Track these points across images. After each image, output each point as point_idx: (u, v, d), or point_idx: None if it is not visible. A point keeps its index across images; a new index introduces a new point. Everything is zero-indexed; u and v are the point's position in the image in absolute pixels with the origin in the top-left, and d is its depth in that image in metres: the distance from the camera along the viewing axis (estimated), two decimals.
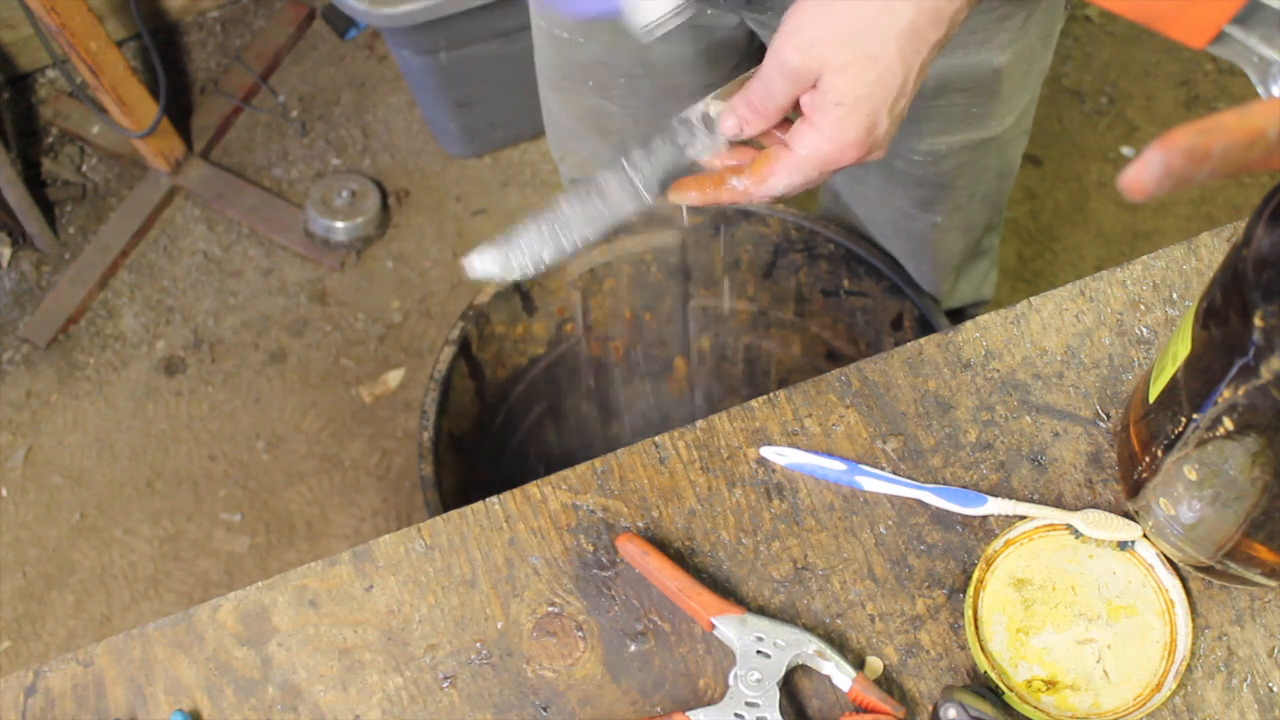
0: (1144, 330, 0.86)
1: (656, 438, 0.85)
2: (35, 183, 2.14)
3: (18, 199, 2.00)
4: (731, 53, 1.11)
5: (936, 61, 0.96)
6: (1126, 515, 0.78)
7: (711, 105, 0.73)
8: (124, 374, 1.99)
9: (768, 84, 0.69)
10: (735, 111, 0.71)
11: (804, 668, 0.77)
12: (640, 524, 0.82)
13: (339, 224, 2.04)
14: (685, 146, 0.73)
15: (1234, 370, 0.62)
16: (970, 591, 0.77)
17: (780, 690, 0.74)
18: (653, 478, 0.83)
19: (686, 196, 0.73)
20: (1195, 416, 0.67)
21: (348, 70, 2.24)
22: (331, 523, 1.85)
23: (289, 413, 1.95)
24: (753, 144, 0.74)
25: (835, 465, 0.82)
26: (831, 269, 1.31)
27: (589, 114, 1.18)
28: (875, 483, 0.82)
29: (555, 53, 1.12)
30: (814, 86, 0.67)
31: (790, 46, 0.66)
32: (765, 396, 0.85)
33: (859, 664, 0.77)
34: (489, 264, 0.73)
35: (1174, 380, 0.70)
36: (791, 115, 0.71)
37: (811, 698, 0.77)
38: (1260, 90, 0.56)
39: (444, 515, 0.83)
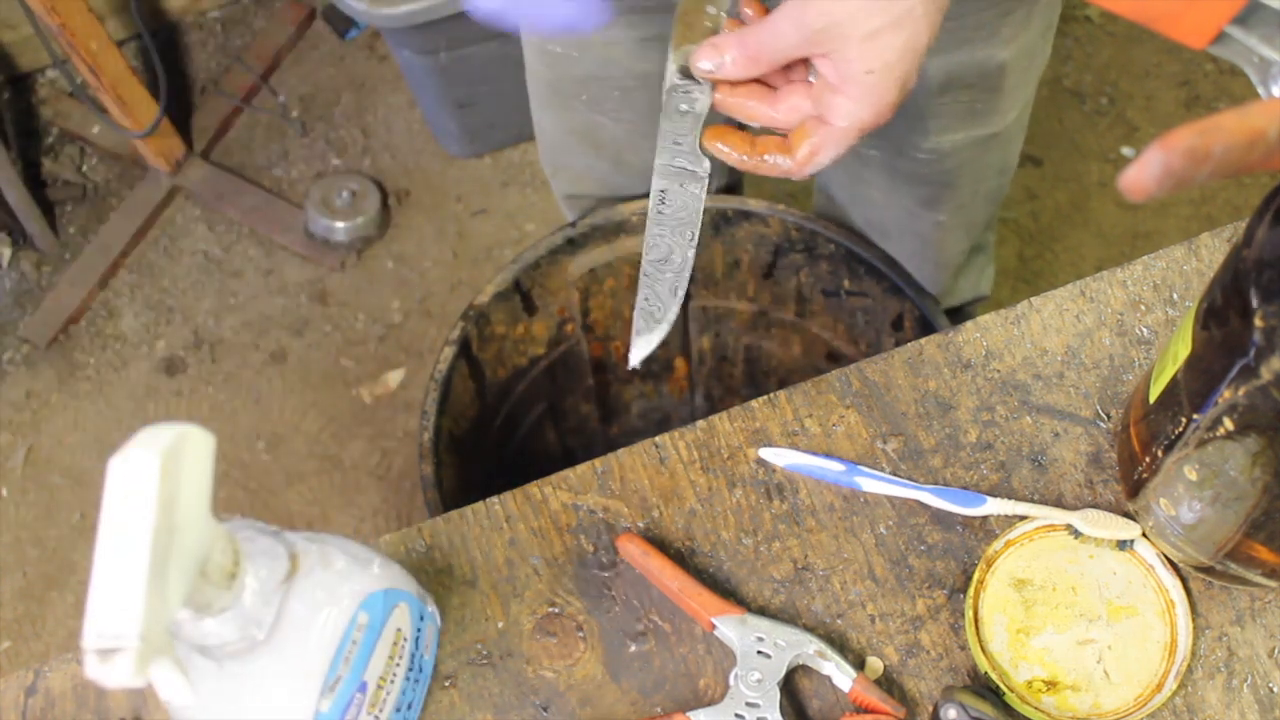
0: (1144, 330, 0.86)
1: (656, 438, 0.85)
2: (35, 183, 2.14)
3: (18, 199, 2.00)
4: None
5: (941, 60, 0.96)
6: (1126, 515, 0.78)
7: (684, 56, 0.71)
8: (124, 374, 1.99)
9: (777, 36, 0.66)
10: (722, 50, 0.68)
11: (804, 668, 0.77)
12: (640, 524, 0.82)
13: (339, 224, 2.04)
14: (691, 108, 0.71)
15: (1234, 371, 0.62)
16: (970, 592, 0.77)
17: (781, 690, 0.75)
18: (653, 478, 0.83)
19: (729, 156, 0.72)
20: (1195, 417, 0.67)
21: (348, 70, 2.24)
22: (331, 523, 1.85)
23: (289, 413, 1.95)
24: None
25: (834, 466, 0.82)
26: (832, 269, 1.31)
27: (582, 129, 1.18)
28: (874, 483, 0.82)
29: (548, 68, 1.12)
30: (826, 55, 0.66)
31: (815, 9, 0.64)
32: (765, 397, 0.85)
33: (859, 664, 0.77)
34: (648, 343, 0.72)
35: (1174, 380, 0.70)
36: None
37: (812, 698, 0.77)
38: (1260, 90, 0.56)
39: (444, 515, 0.83)
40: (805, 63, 0.70)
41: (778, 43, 0.66)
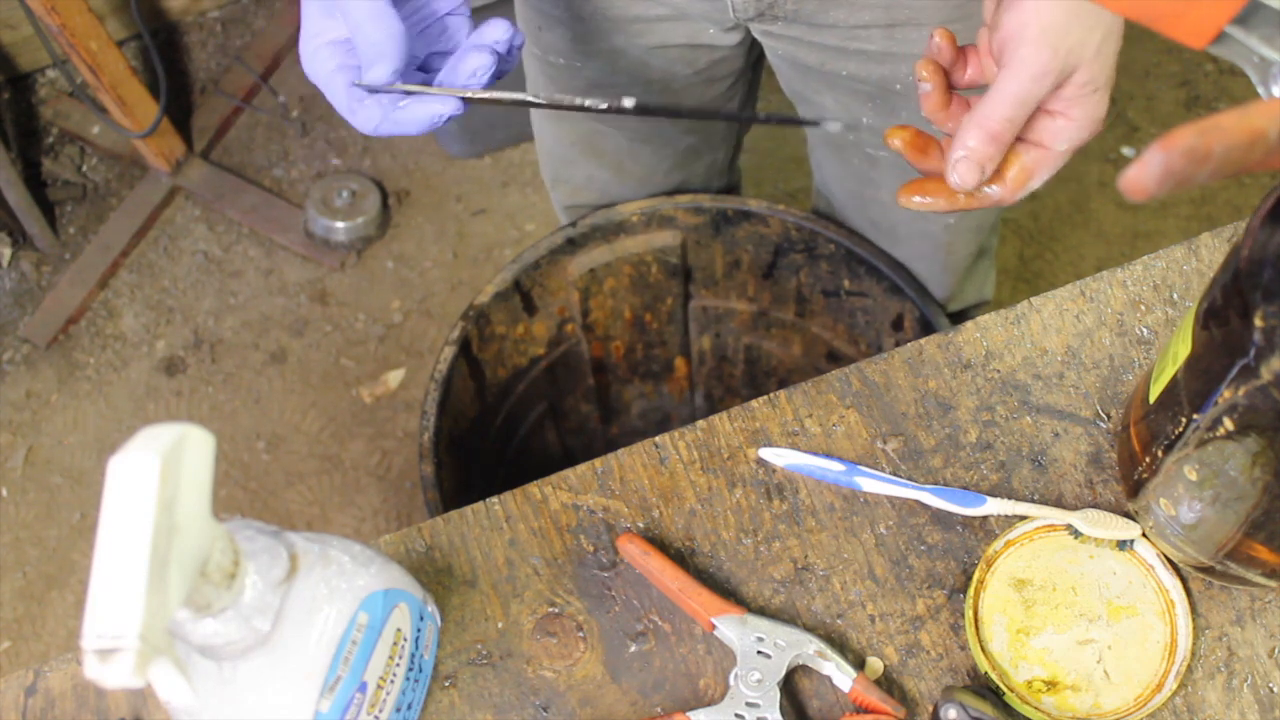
0: (1144, 330, 0.86)
1: (656, 438, 0.84)
2: (35, 183, 2.14)
3: (18, 199, 2.00)
4: (729, 72, 1.11)
5: None
6: (1126, 515, 0.78)
7: None
8: (124, 374, 1.99)
9: (1020, 102, 0.62)
10: (972, 155, 0.63)
11: (804, 668, 0.77)
12: (640, 524, 0.82)
13: (339, 224, 2.04)
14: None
15: (1234, 370, 0.62)
16: (970, 592, 0.77)
17: (780, 690, 0.74)
18: (653, 478, 0.83)
19: (932, 205, 0.68)
20: (1195, 417, 0.67)
21: None
22: (331, 523, 1.85)
23: (289, 413, 1.95)
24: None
25: (834, 466, 0.82)
26: (832, 269, 1.31)
27: (583, 138, 1.18)
28: (874, 483, 0.82)
29: (549, 80, 1.12)
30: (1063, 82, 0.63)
31: (1044, 53, 0.61)
32: (765, 397, 0.85)
33: (859, 664, 0.77)
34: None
35: (1174, 380, 0.70)
36: None
37: (812, 698, 0.77)
38: (1260, 91, 0.56)
39: (444, 515, 0.83)
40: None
41: (1023, 107, 0.63)
